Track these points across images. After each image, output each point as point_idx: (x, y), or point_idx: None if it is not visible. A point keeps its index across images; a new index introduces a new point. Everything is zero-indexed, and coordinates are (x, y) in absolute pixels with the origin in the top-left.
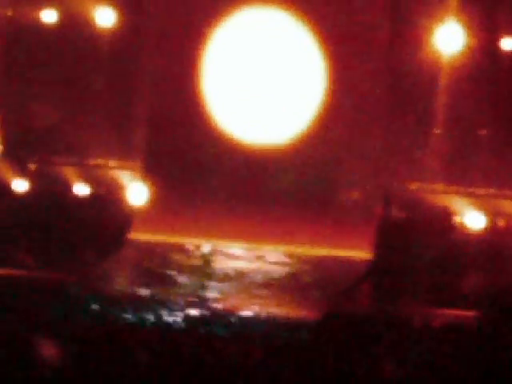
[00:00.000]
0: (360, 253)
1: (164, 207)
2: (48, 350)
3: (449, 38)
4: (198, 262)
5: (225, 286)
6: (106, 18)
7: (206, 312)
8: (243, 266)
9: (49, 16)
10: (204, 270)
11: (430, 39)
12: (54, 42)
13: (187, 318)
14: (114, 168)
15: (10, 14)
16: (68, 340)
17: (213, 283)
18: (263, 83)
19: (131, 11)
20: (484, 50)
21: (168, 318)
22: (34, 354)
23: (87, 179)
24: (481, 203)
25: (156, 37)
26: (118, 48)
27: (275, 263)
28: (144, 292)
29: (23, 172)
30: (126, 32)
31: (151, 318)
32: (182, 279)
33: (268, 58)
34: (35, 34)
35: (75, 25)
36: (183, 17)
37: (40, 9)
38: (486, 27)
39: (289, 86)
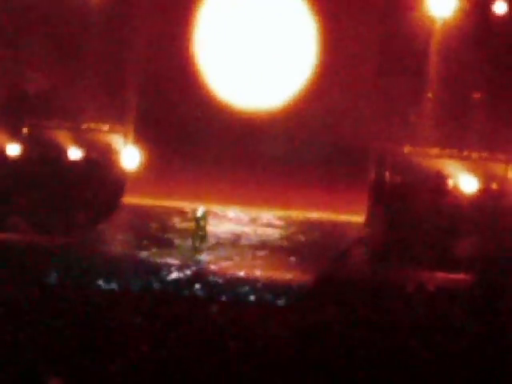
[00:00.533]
0: (354, 216)
1: (157, 171)
2: (45, 313)
3: (441, 2)
4: (191, 225)
5: (217, 249)
6: None
7: (200, 274)
8: (237, 228)
9: None
10: (198, 232)
11: (423, 2)
12: (47, 8)
13: (181, 280)
14: (107, 132)
15: None
16: (64, 301)
17: (207, 246)
18: (255, 47)
19: None
20: (476, 14)
21: (162, 280)
22: (32, 317)
23: (80, 143)
24: (474, 166)
25: (148, 2)
26: (111, 14)
27: (269, 226)
28: (138, 254)
29: (16, 136)
30: None
31: (145, 280)
32: (176, 242)
33: (260, 22)
34: (27, 1)
35: None
36: None
37: None
38: None
39: (281, 51)
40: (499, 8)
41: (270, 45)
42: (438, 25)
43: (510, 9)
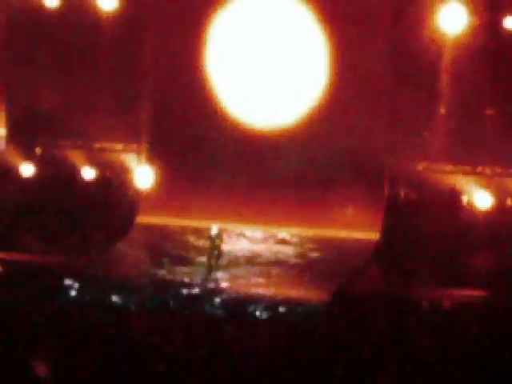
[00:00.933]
0: (368, 234)
1: (170, 190)
2: (61, 333)
3: (452, 18)
4: (206, 244)
5: (233, 268)
6: (108, 0)
7: (216, 292)
8: (252, 247)
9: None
10: (213, 250)
11: (434, 19)
12: (58, 25)
13: (197, 299)
14: (120, 151)
15: None
16: (80, 321)
17: (222, 264)
18: (267, 65)
19: None
20: (487, 30)
21: (178, 298)
22: (46, 336)
23: (94, 162)
24: (488, 182)
25: (159, 19)
26: (122, 31)
27: (284, 244)
28: (154, 273)
29: (29, 156)
30: (129, 14)
31: (162, 299)
32: (191, 260)
33: (272, 40)
34: (39, 17)
35: (78, 8)
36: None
37: None
38: (488, 6)
39: (292, 68)
40: (510, 23)
41: (281, 63)
42: (450, 40)
43: None
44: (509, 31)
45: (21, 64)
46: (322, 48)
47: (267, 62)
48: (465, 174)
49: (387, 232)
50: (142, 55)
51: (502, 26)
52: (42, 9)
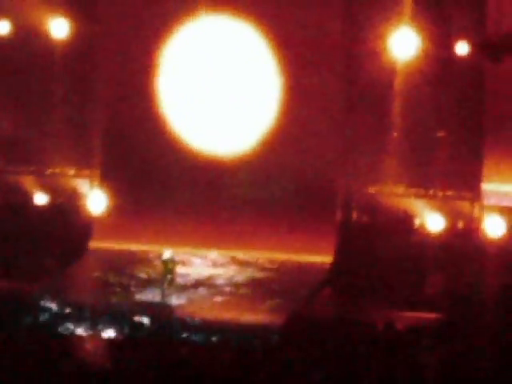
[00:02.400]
0: (321, 257)
1: (123, 215)
2: (12, 357)
3: (404, 43)
4: (159, 268)
5: (187, 292)
6: (60, 28)
7: (169, 319)
8: (206, 271)
9: (3, 27)
10: (166, 277)
11: (386, 44)
12: (10, 52)
13: (151, 324)
14: (72, 176)
15: None
16: (34, 347)
17: (174, 290)
18: (220, 90)
19: (85, 21)
20: (438, 55)
21: (132, 324)
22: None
23: (46, 188)
24: (440, 205)
25: (112, 45)
26: (74, 58)
27: (236, 269)
28: (107, 299)
29: None
30: (82, 41)
31: (113, 326)
32: (145, 286)
33: (224, 65)
34: None
35: (30, 35)
36: (138, 26)
37: None
38: (439, 32)
39: (245, 93)
40: (461, 49)
41: (234, 88)
42: (402, 65)
43: (471, 49)
44: (459, 56)
45: None
46: (274, 73)
47: (220, 87)
48: (417, 196)
49: (340, 255)
50: (93, 82)
51: (452, 52)
52: None
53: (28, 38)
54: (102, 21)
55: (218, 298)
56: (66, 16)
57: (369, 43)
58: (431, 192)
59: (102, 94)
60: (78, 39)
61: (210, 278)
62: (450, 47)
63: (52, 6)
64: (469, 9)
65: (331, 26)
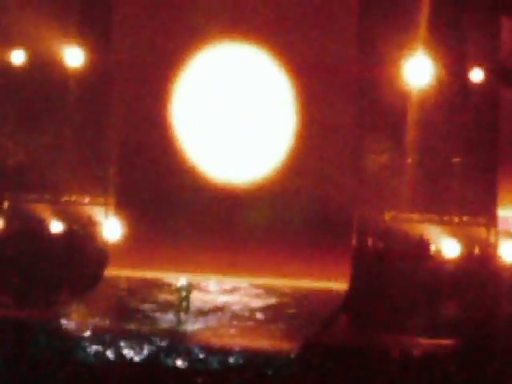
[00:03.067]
0: (337, 284)
1: (139, 242)
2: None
3: (418, 70)
4: (174, 296)
5: (202, 319)
6: (74, 56)
7: (184, 346)
8: (221, 298)
9: (18, 56)
10: (181, 304)
11: (400, 71)
12: (25, 81)
13: (166, 352)
14: (87, 204)
15: None
16: (48, 376)
17: (190, 317)
18: (234, 118)
19: (99, 50)
20: (453, 81)
21: (147, 352)
22: None
23: (61, 216)
24: (455, 231)
25: (125, 74)
26: (88, 86)
27: (252, 295)
28: (123, 327)
29: None
30: (96, 70)
31: (129, 353)
32: (160, 313)
33: (239, 92)
34: (6, 73)
35: (45, 64)
36: (152, 54)
37: (10, 49)
38: (454, 59)
39: (259, 120)
40: (476, 75)
41: (248, 115)
42: (416, 91)
43: (486, 75)
44: (473, 83)
45: None
46: (289, 100)
47: (235, 115)
48: (432, 223)
49: (356, 282)
50: (108, 110)
51: (467, 78)
52: (8, 65)
53: (43, 66)
54: (115, 50)
55: (234, 324)
56: (80, 45)
57: (383, 70)
58: (446, 218)
59: (116, 122)
60: (93, 68)
61: (225, 304)
62: (464, 73)
63: (66, 35)
64: (483, 35)
65: (345, 54)
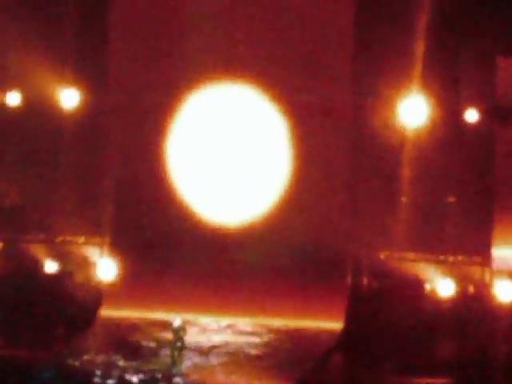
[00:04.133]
0: (332, 323)
1: (133, 282)
2: None
3: (413, 110)
4: (170, 336)
5: (197, 359)
6: (70, 98)
7: None
8: (216, 337)
9: (14, 97)
10: (176, 343)
11: (394, 111)
12: (19, 122)
13: None
14: (82, 244)
15: None
16: None
17: (184, 357)
18: (228, 157)
19: (96, 90)
20: (448, 121)
21: None
22: None
23: (56, 256)
24: (450, 270)
25: (119, 115)
26: (84, 127)
27: (247, 334)
28: (118, 368)
29: None
30: (89, 111)
31: None
32: (155, 353)
33: (233, 132)
34: (1, 114)
35: (40, 105)
36: (148, 94)
37: (5, 91)
38: (449, 100)
39: (253, 160)
40: (471, 114)
41: (243, 155)
42: (411, 131)
43: (481, 114)
44: (468, 123)
45: None
46: (283, 140)
47: (228, 154)
48: (427, 262)
49: (351, 321)
50: (102, 151)
51: (461, 119)
52: (3, 106)
53: (38, 108)
54: (111, 91)
55: (229, 365)
56: (76, 86)
57: (377, 109)
58: (441, 257)
59: (111, 162)
60: (88, 109)
61: (220, 344)
62: (459, 113)
63: (62, 77)
64: (479, 75)
65: (340, 93)
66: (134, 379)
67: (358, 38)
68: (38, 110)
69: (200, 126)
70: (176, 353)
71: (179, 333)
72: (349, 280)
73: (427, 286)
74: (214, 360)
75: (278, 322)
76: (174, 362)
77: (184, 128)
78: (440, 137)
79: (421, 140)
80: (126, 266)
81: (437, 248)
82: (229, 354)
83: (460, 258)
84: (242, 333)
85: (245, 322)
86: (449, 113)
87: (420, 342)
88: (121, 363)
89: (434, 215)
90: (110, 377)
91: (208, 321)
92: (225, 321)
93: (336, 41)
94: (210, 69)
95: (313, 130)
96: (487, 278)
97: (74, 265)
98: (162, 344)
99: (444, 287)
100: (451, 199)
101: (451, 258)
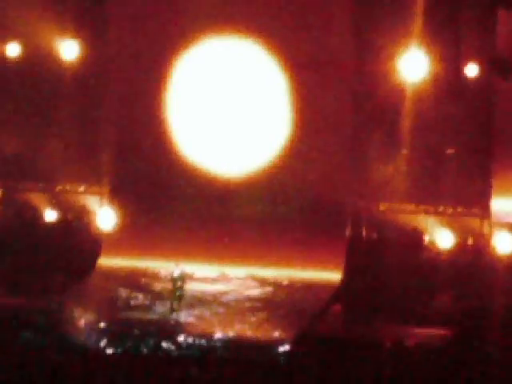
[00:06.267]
0: (330, 274)
1: (132, 231)
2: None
3: (413, 64)
4: (168, 285)
5: (195, 308)
6: (70, 49)
7: (177, 335)
8: (215, 287)
9: (14, 49)
10: (175, 292)
11: (396, 64)
12: (20, 72)
13: (160, 341)
14: (82, 193)
15: None
16: (37, 367)
17: (183, 306)
18: (229, 110)
19: (95, 43)
20: (448, 75)
21: (140, 341)
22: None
23: (55, 205)
24: (449, 222)
25: (121, 66)
26: (83, 77)
27: (246, 285)
28: (115, 317)
29: None
30: (89, 62)
31: (121, 342)
32: (154, 303)
33: (234, 85)
34: (2, 64)
35: (40, 57)
36: (148, 46)
37: (5, 42)
38: (449, 52)
39: (255, 113)
40: (471, 67)
41: (243, 108)
42: (411, 85)
43: (481, 68)
44: (468, 76)
45: None
46: (284, 93)
47: (229, 108)
48: (426, 213)
49: (350, 272)
50: (103, 101)
51: (461, 72)
52: (3, 57)
53: (38, 59)
54: (111, 42)
55: (226, 315)
56: (76, 38)
57: (379, 63)
58: (441, 209)
59: (111, 112)
60: (88, 61)
61: (218, 294)
62: (459, 66)
63: (62, 28)
64: (479, 28)
65: (341, 48)
66: (131, 327)
67: None
68: (38, 61)
69: (200, 77)
70: (175, 302)
71: (178, 282)
72: (348, 231)
73: (426, 238)
74: (212, 310)
75: (277, 273)
76: (173, 312)
77: (185, 81)
78: (440, 90)
79: (421, 93)
80: (126, 215)
81: (436, 199)
82: (227, 304)
83: (459, 209)
84: (240, 283)
85: (243, 273)
86: (449, 66)
87: (418, 294)
88: (118, 311)
89: (433, 167)
90: (106, 325)
91: (207, 271)
92: (223, 271)
93: None
94: (211, 21)
95: (314, 83)
96: (486, 229)
97: (74, 214)
98: (160, 293)
99: (443, 239)
100: (450, 151)
101: (450, 210)
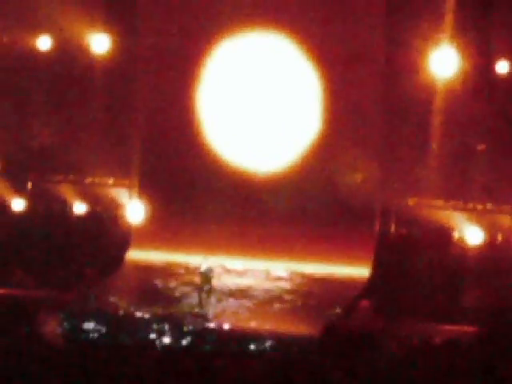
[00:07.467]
0: (360, 269)
1: (161, 224)
2: (50, 368)
3: (444, 61)
4: (197, 279)
5: (224, 302)
6: (100, 42)
7: (207, 328)
8: (243, 281)
9: (45, 42)
10: (204, 286)
11: (426, 61)
12: (51, 65)
13: (188, 335)
14: (111, 186)
15: (7, 39)
16: (68, 358)
17: (212, 300)
18: (259, 106)
19: (126, 35)
20: (478, 72)
21: (169, 334)
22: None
23: (85, 197)
24: (479, 218)
25: (151, 60)
26: (113, 71)
27: (275, 279)
28: (145, 309)
29: (21, 190)
30: (120, 55)
31: (150, 335)
32: (183, 296)
33: (265, 81)
34: (33, 57)
35: (71, 50)
36: (178, 40)
37: (36, 35)
38: (480, 51)
39: (285, 109)
40: (502, 67)
41: (274, 104)
42: (442, 82)
43: (511, 66)
44: (499, 72)
45: (12, 103)
46: (315, 89)
47: (259, 102)
48: (456, 209)
49: (379, 267)
50: (133, 94)
51: (492, 69)
52: (35, 50)
53: (69, 53)
54: (142, 35)
55: (256, 308)
56: (106, 31)
57: (409, 59)
58: (470, 205)
59: (141, 106)
60: (118, 53)
61: (248, 288)
62: (490, 63)
63: (92, 21)
64: (510, 25)
65: (372, 43)
66: (160, 320)
67: None
68: (69, 55)
69: (231, 73)
70: (203, 296)
71: (207, 276)
72: (377, 227)
73: (455, 234)
74: (241, 304)
75: (307, 268)
76: (202, 305)
77: (216, 74)
78: (471, 87)
79: (451, 90)
80: (155, 208)
81: (465, 196)
82: (256, 298)
83: (489, 206)
84: (270, 277)
85: (273, 267)
86: (480, 63)
87: (446, 290)
88: (147, 304)
89: (463, 163)
90: (135, 318)
91: (236, 264)
92: (253, 265)
93: None
94: (243, 16)
95: (344, 78)
96: None
97: (103, 206)
98: (189, 286)
99: (472, 235)
100: (481, 148)
101: (480, 206)
